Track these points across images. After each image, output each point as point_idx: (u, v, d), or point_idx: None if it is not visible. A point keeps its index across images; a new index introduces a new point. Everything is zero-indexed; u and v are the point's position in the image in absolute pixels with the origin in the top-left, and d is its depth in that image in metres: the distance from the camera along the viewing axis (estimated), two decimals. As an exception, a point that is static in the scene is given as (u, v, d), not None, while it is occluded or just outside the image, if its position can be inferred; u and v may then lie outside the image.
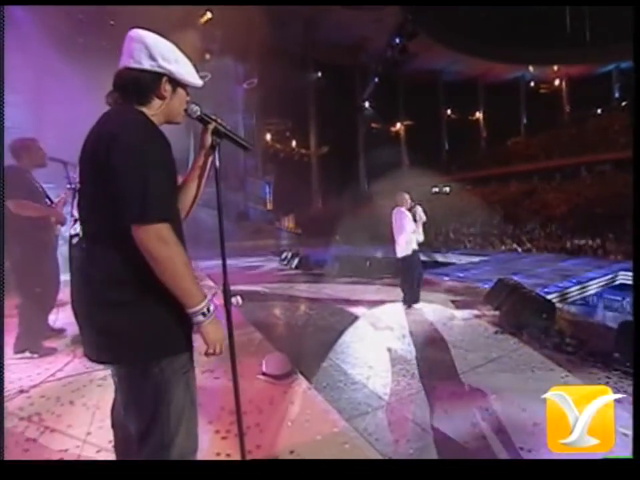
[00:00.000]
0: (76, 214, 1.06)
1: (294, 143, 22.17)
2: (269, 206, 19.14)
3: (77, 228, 1.05)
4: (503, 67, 25.05)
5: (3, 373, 1.41)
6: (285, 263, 8.26)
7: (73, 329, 2.91)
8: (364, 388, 2.47)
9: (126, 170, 0.93)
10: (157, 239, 0.92)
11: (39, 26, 10.72)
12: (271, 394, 2.17)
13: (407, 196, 4.50)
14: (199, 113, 1.19)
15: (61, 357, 2.91)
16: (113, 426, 1.18)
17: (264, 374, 2.31)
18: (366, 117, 23.52)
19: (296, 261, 7.78)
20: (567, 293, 5.97)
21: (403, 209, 4.43)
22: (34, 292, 2.86)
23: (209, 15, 13.62)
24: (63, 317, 3.18)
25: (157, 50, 1.04)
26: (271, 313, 4.44)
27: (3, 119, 1.35)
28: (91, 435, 1.82)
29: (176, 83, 1.09)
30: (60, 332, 3.28)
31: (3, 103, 1.33)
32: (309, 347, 3.21)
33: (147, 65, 1.03)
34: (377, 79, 20.68)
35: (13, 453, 1.72)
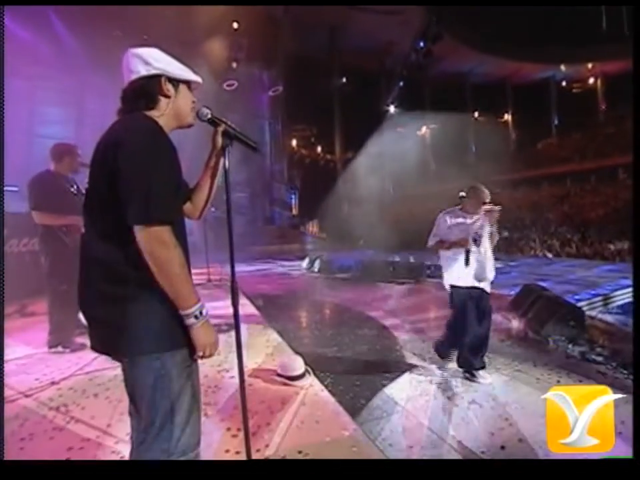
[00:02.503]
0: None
1: (319, 149, 22.31)
2: (295, 211, 19.30)
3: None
4: (532, 66, 24.24)
5: (3, 374, 1.48)
6: (309, 267, 8.31)
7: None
8: (380, 393, 2.45)
9: (130, 173, 0.97)
10: (156, 241, 0.96)
11: (81, 44, 11.39)
12: (284, 395, 2.19)
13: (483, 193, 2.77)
14: (209, 116, 1.24)
15: (90, 352, 3.05)
16: (130, 414, 1.21)
17: (279, 375, 2.33)
18: (391, 121, 23.34)
19: (319, 265, 7.80)
20: (599, 300, 5.67)
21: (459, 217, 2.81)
22: (62, 289, 3.01)
23: (235, 25, 14.01)
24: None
25: (148, 56, 1.13)
26: (291, 315, 4.48)
27: (3, 119, 1.40)
28: (110, 426, 1.90)
29: (176, 81, 1.16)
30: (90, 329, 3.43)
31: (3, 103, 1.40)
32: (326, 350, 3.22)
33: (143, 71, 1.12)
34: (402, 83, 20.50)
35: (40, 441, 1.83)
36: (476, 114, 26.90)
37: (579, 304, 4.50)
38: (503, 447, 1.86)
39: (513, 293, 5.14)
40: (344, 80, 21.19)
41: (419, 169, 24.22)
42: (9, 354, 3.08)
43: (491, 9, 17.07)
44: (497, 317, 4.08)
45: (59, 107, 12.95)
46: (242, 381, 1.21)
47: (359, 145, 21.84)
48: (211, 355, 1.07)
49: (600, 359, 2.79)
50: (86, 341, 3.23)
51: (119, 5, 9.97)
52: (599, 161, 18.61)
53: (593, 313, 4.95)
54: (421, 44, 17.31)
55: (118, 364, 1.11)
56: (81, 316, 3.33)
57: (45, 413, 2.10)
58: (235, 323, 1.20)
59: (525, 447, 1.85)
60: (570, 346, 3.04)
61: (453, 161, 22.95)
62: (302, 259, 9.53)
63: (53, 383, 2.51)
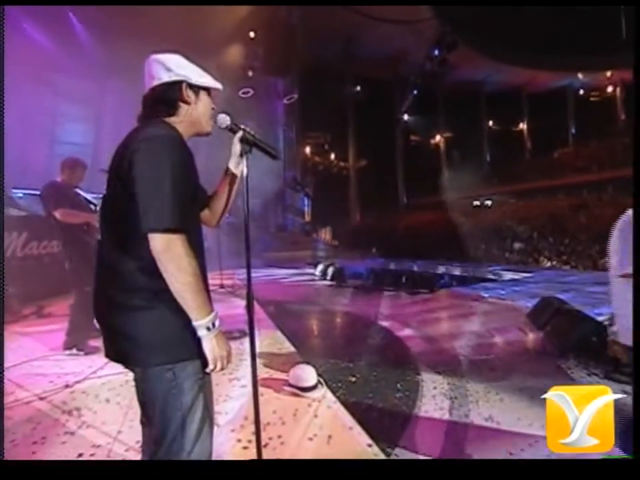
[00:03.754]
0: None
1: (333, 156, 22.37)
2: (307, 218, 19.34)
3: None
4: (548, 75, 23.91)
5: (3, 376, 1.48)
6: (321, 274, 8.28)
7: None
8: (393, 406, 2.39)
9: (146, 180, 0.97)
10: (169, 249, 0.95)
11: (103, 51, 11.73)
12: (296, 406, 2.15)
13: None
14: (228, 122, 1.23)
15: (103, 357, 3.08)
16: (142, 423, 1.21)
17: (290, 385, 2.30)
18: (405, 129, 23.33)
19: (331, 272, 7.77)
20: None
21: None
22: (84, 291, 3.08)
23: (252, 34, 14.26)
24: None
25: (170, 62, 1.13)
26: (303, 324, 4.44)
27: (3, 120, 1.41)
28: (121, 433, 1.90)
29: (196, 87, 1.16)
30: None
31: (3, 103, 1.41)
32: (338, 360, 3.17)
33: (165, 77, 1.12)
34: (416, 92, 20.49)
35: (52, 445, 1.83)
36: (490, 122, 26.69)
37: (599, 319, 4.36)
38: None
39: (529, 305, 5.03)
40: (358, 88, 21.29)
41: (432, 177, 24.16)
42: (26, 355, 3.13)
43: (505, 17, 16.95)
44: (512, 330, 4.00)
45: (79, 113, 13.30)
46: (256, 393, 1.18)
47: (372, 152, 21.86)
48: (222, 369, 1.05)
49: (625, 378, 2.67)
50: (100, 344, 3.32)
51: (127, 5, 10.13)
52: (616, 171, 18.17)
53: (615, 329, 4.78)
54: (436, 52, 17.29)
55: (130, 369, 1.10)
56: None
57: (58, 416, 2.11)
58: (250, 334, 1.18)
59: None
60: (592, 363, 2.92)
61: (467, 170, 22.80)
62: (314, 266, 9.51)
63: (66, 386, 2.53)
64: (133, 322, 1.01)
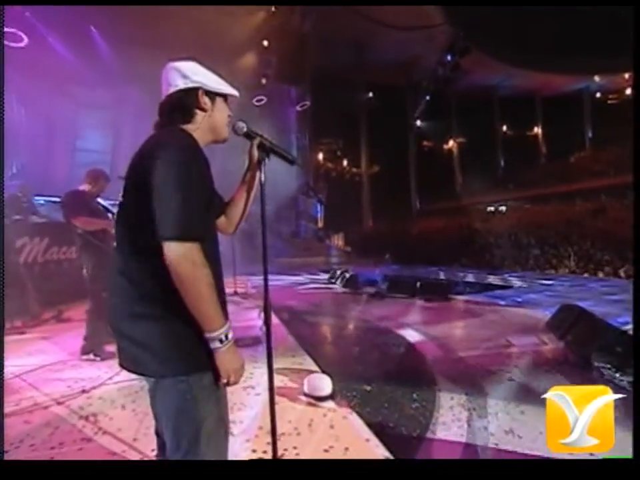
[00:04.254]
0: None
1: (345, 162, 22.41)
2: (320, 224, 19.36)
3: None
4: (563, 78, 23.55)
5: (3, 377, 1.50)
6: (334, 281, 8.24)
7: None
8: (409, 417, 2.34)
9: (162, 188, 0.95)
10: (184, 259, 0.92)
11: (122, 62, 12.07)
12: (311, 416, 2.12)
13: None
14: (245, 130, 1.23)
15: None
16: (156, 433, 1.19)
17: (305, 394, 2.27)
18: (417, 135, 23.23)
19: (344, 279, 7.72)
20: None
21: None
22: (101, 296, 3.16)
23: (265, 43, 14.48)
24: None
25: (187, 69, 1.13)
26: (316, 331, 4.41)
27: (3, 121, 1.43)
28: (137, 440, 1.90)
29: (212, 94, 1.15)
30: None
31: (3, 104, 1.43)
32: (352, 368, 3.13)
33: (181, 84, 1.12)
34: (428, 97, 20.42)
35: (69, 451, 1.85)
36: (504, 127, 26.37)
37: (623, 328, 4.21)
38: None
39: (548, 313, 4.90)
40: (370, 94, 21.34)
41: (445, 182, 23.95)
42: (45, 359, 3.19)
43: (518, 20, 16.77)
44: (532, 339, 3.89)
45: (99, 122, 13.67)
46: (272, 406, 1.14)
47: (385, 158, 21.82)
48: (235, 382, 1.02)
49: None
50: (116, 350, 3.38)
51: (133, 5, 10.34)
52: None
53: None
54: (449, 58, 17.23)
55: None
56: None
57: (75, 422, 2.12)
58: (267, 344, 1.16)
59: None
60: (617, 375, 2.81)
61: (481, 175, 22.52)
62: (327, 272, 9.48)
63: (83, 391, 2.56)
64: (147, 331, 0.99)
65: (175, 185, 0.95)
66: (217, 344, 0.97)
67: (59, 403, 2.38)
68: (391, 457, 1.79)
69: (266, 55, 14.81)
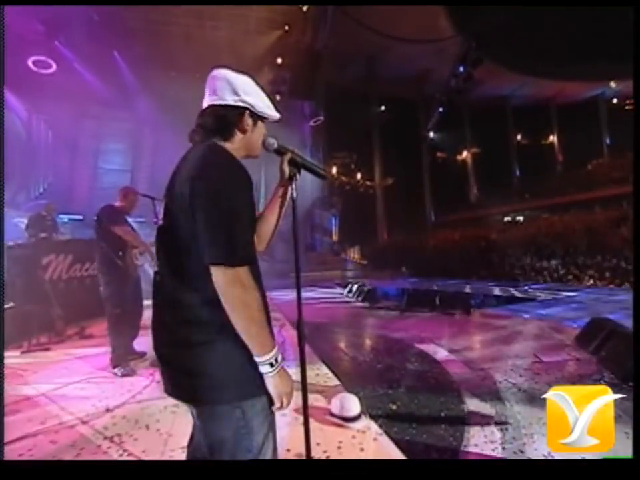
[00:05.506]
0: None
1: (359, 176, 22.49)
2: (335, 237, 19.37)
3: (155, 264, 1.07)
4: (577, 85, 23.26)
5: (3, 377, 1.49)
6: (351, 295, 8.16)
7: (152, 352, 3.17)
8: (439, 437, 2.24)
9: (211, 210, 0.92)
10: (236, 283, 0.90)
11: (140, 83, 12.53)
12: (340, 438, 2.05)
13: None
14: (275, 146, 1.20)
15: (141, 380, 3.12)
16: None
17: (332, 414, 2.21)
18: (431, 146, 23.21)
19: (362, 293, 7.64)
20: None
21: None
22: (117, 314, 3.22)
23: (279, 60, 14.84)
24: (143, 341, 3.45)
25: (239, 85, 1.07)
26: (337, 347, 4.34)
27: (3, 121, 1.45)
28: (163, 462, 1.86)
29: (256, 116, 1.11)
30: (141, 355, 3.56)
31: (3, 105, 1.44)
32: (376, 386, 3.05)
33: (230, 100, 1.06)
34: (441, 109, 20.45)
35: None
36: (519, 137, 26.11)
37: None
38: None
39: (576, 326, 4.72)
40: (382, 108, 21.50)
41: (460, 193, 23.73)
42: (69, 377, 3.21)
43: (530, 29, 16.72)
44: (561, 354, 3.74)
45: (119, 142, 14.14)
46: (307, 430, 1.10)
47: (399, 171, 21.81)
48: (288, 405, 0.99)
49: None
50: (136, 365, 3.41)
51: (136, 5, 10.66)
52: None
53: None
54: (461, 69, 17.28)
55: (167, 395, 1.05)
56: (134, 344, 3.54)
57: (100, 442, 2.11)
58: (302, 369, 1.12)
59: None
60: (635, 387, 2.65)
61: (496, 185, 22.24)
62: (344, 286, 9.40)
63: (107, 410, 2.55)
64: (196, 358, 0.95)
65: (225, 206, 0.92)
66: (267, 368, 0.94)
67: (83, 422, 2.38)
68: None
69: (280, 73, 15.16)
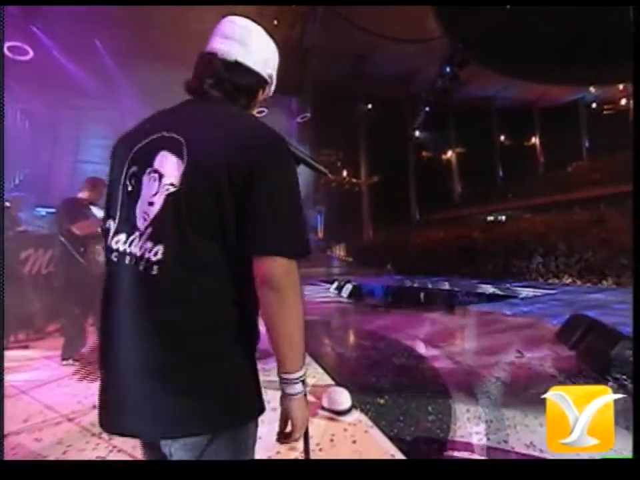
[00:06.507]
0: (144, 229, 0.77)
1: (345, 173, 22.57)
2: (320, 234, 19.39)
3: (138, 248, 0.77)
4: (559, 89, 23.90)
5: (3, 374, 1.46)
6: (337, 292, 8.20)
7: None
8: (426, 430, 2.29)
9: (282, 193, 0.76)
10: (290, 278, 0.74)
11: (123, 74, 12.20)
12: (332, 431, 2.08)
13: None
14: None
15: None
16: None
17: (323, 408, 2.23)
18: (416, 145, 23.48)
19: (348, 290, 7.69)
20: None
21: None
22: (73, 311, 3.21)
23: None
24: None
25: (270, 56, 0.96)
26: (324, 343, 4.37)
27: (3, 121, 1.42)
28: (155, 458, 1.85)
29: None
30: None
31: (3, 105, 1.41)
32: (364, 381, 3.09)
33: (262, 67, 0.93)
34: (427, 108, 20.69)
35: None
36: (502, 137, 26.67)
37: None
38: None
39: (556, 322, 4.87)
40: (369, 106, 21.60)
41: (445, 192, 24.10)
42: (51, 375, 3.13)
43: (515, 32, 17.06)
44: (542, 350, 3.86)
45: (99, 133, 13.76)
46: (306, 432, 0.96)
47: (384, 169, 22.00)
48: (300, 437, 0.82)
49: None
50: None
51: (128, 5, 10.46)
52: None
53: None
54: (447, 69, 17.51)
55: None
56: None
57: (88, 439, 2.07)
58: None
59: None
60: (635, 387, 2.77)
61: (480, 185, 22.69)
62: (329, 283, 9.43)
63: (94, 407, 2.50)
64: (201, 375, 0.73)
65: (296, 192, 0.79)
66: (298, 387, 0.77)
67: (69, 420, 2.33)
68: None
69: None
